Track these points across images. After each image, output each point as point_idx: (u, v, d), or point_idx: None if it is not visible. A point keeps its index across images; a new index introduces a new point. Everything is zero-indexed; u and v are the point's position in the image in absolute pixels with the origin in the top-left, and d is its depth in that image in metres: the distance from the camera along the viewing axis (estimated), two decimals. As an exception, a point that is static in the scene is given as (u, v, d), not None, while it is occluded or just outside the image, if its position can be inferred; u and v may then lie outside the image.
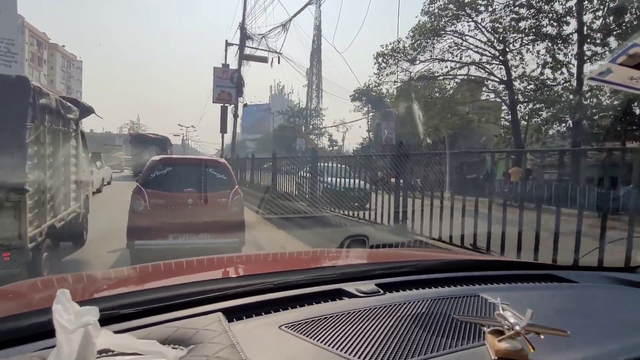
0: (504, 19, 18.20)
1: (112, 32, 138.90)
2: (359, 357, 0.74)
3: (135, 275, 1.35)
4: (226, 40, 19.67)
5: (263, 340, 0.79)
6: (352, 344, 0.78)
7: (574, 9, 17.16)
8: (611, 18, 16.02)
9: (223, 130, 19.20)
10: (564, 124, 17.66)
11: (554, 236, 3.29)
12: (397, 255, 1.98)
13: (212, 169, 5.35)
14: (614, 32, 15.36)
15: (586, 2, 16.47)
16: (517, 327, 0.72)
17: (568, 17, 17.57)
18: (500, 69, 19.13)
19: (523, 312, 0.76)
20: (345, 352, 0.75)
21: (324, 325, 0.85)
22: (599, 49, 16.51)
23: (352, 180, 7.00)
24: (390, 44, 19.69)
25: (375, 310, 0.94)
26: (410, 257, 1.69)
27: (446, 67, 19.74)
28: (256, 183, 12.09)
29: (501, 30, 18.23)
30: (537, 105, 18.32)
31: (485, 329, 0.80)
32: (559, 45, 17.90)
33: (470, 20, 18.65)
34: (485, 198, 4.35)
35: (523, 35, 18.16)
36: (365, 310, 0.93)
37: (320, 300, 0.99)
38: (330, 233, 6.18)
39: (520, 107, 18.72)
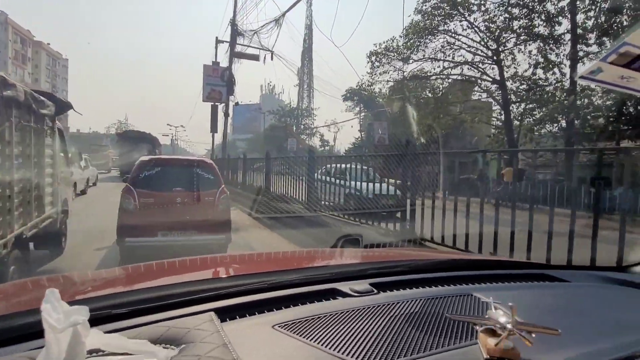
0: (498, 18, 18.32)
1: (99, 30, 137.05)
2: (352, 357, 0.74)
3: (127, 275, 1.34)
4: (216, 37, 19.66)
5: (256, 340, 0.80)
6: (345, 344, 0.78)
7: (566, 9, 17.39)
8: (603, 18, 16.27)
9: (213, 129, 19.00)
10: (556, 124, 17.83)
11: (548, 236, 3.33)
12: (390, 255, 1.99)
13: (199, 169, 5.55)
14: (608, 32, 15.52)
15: (578, 2, 16.68)
16: (508, 326, 0.73)
17: (560, 18, 17.84)
18: (493, 68, 19.33)
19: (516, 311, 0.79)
20: (339, 352, 0.76)
21: (318, 325, 0.86)
22: (591, 49, 16.69)
23: (377, 185, 6.15)
24: (384, 42, 19.69)
25: (369, 309, 0.94)
26: (404, 257, 1.70)
27: (439, 66, 19.93)
28: (249, 184, 11.87)
29: (494, 29, 18.37)
30: (530, 105, 18.47)
31: (477, 328, 0.81)
32: (551, 45, 18.13)
33: (463, 19, 18.77)
34: (479, 198, 4.39)
35: (515, 35, 18.33)
36: (359, 309, 0.94)
37: (314, 300, 1.00)
38: (328, 234, 6.06)
39: (512, 107, 18.86)
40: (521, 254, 3.41)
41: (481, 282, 1.22)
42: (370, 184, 6.24)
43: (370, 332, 0.83)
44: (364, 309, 0.95)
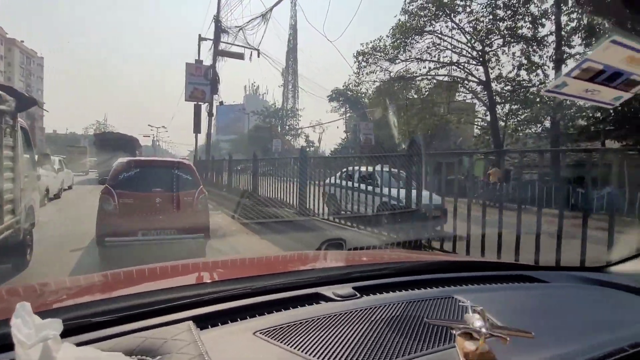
0: (485, 18, 18.21)
1: (78, 28, 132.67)
2: None
3: (105, 282, 1.30)
4: (199, 35, 19.02)
5: (236, 348, 0.79)
6: (325, 350, 0.78)
7: (549, 11, 17.47)
8: (586, 20, 16.35)
9: (196, 130, 18.28)
10: (539, 125, 17.87)
11: (536, 237, 3.37)
12: (374, 257, 2.00)
13: (177, 170, 5.72)
14: (591, 34, 15.58)
15: (562, 5, 16.71)
16: (483, 330, 0.74)
17: (543, 20, 17.90)
18: (477, 69, 19.29)
19: (496, 313, 0.82)
20: (319, 358, 0.75)
21: (300, 331, 0.85)
22: (575, 50, 16.76)
23: (415, 192, 5.14)
24: (371, 42, 19.32)
25: (351, 314, 0.94)
26: (387, 260, 1.73)
27: (424, 67, 19.79)
28: (234, 186, 11.35)
29: (479, 30, 18.31)
30: (514, 106, 18.49)
31: (454, 331, 0.80)
32: (534, 47, 18.19)
33: (449, 20, 18.64)
34: (466, 199, 4.40)
35: (500, 37, 18.32)
36: (341, 314, 0.93)
37: (297, 305, 0.98)
38: (319, 240, 5.63)
39: (497, 107, 18.82)
40: (509, 254, 3.44)
41: (463, 284, 1.22)
42: (408, 192, 5.17)
43: (350, 337, 0.83)
44: (346, 313, 0.94)
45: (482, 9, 18.17)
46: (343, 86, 22.81)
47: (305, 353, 0.76)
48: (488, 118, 19.89)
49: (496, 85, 18.80)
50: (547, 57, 17.93)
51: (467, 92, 20.22)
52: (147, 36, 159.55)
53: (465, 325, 0.78)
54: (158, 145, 61.70)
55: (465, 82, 19.61)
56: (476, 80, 18.92)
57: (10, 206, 4.45)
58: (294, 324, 0.87)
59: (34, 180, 5.99)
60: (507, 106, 19.06)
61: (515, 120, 19.30)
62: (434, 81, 20.74)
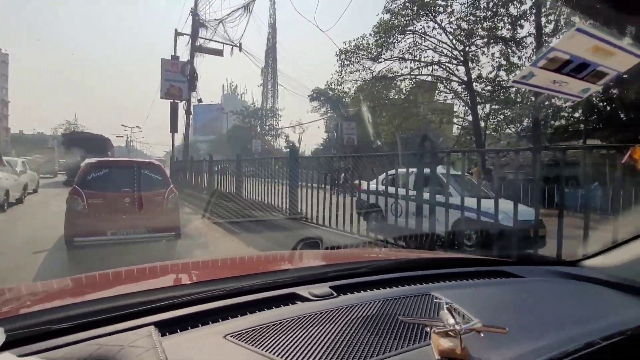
0: (468, 18, 18.59)
1: (46, 22, 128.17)
2: None
3: (64, 287, 1.24)
4: (175, 30, 18.27)
5: (204, 352, 0.76)
6: (299, 351, 0.76)
7: (527, 12, 17.99)
8: (563, 22, 16.92)
9: (173, 129, 17.78)
10: (519, 125, 18.37)
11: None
12: (351, 256, 1.99)
13: (147, 170, 5.88)
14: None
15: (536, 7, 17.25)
16: (456, 327, 0.74)
17: (522, 21, 18.41)
18: (458, 69, 19.65)
19: (473, 308, 0.84)
20: None
21: (274, 332, 0.83)
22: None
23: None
24: (354, 40, 19.42)
25: (327, 313, 0.93)
26: (365, 258, 1.73)
27: (406, 67, 20.00)
28: (216, 188, 10.86)
29: (459, 31, 18.68)
30: (495, 107, 18.93)
31: (429, 329, 0.80)
32: (513, 48, 18.70)
33: (430, 20, 18.93)
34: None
35: (479, 37, 18.73)
36: (317, 314, 0.92)
37: (272, 306, 0.96)
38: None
39: (478, 108, 19.23)
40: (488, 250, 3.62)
41: (440, 280, 1.22)
42: (506, 205, 3.88)
43: (325, 337, 0.82)
44: (322, 313, 0.93)
45: (464, 8, 18.58)
46: (326, 85, 22.83)
47: (278, 356, 0.74)
48: (469, 118, 20.31)
49: (477, 86, 19.20)
50: (526, 58, 18.56)
51: (449, 92, 20.59)
52: (120, 31, 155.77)
53: (439, 323, 0.78)
54: (132, 145, 60.22)
55: (448, 82, 19.95)
56: (458, 80, 19.28)
57: None
58: (268, 326, 0.85)
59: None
60: (488, 106, 19.54)
61: (495, 120, 19.80)
62: (416, 81, 21.05)
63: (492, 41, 18.56)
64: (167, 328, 0.82)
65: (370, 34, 19.09)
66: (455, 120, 22.06)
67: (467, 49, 18.93)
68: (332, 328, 0.85)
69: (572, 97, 1.26)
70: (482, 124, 19.40)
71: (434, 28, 19.07)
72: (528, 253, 3.28)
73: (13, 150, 28.14)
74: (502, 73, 18.87)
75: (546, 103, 16.34)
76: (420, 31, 19.12)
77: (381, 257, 1.75)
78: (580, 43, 1.08)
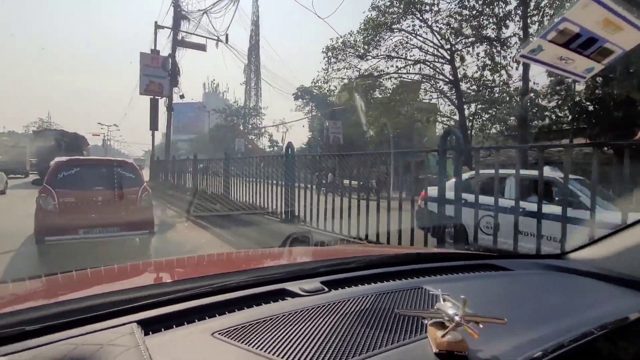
0: (454, 17, 18.84)
1: (18, 17, 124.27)
2: None
3: (38, 287, 1.19)
4: (155, 22, 17.57)
5: (191, 350, 0.74)
6: (290, 348, 0.75)
7: (512, 12, 18.37)
8: (546, 22, 17.32)
9: (153, 127, 17.25)
10: (504, 124, 18.73)
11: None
12: (341, 252, 2.00)
13: (120, 169, 5.90)
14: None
15: (522, 8, 17.63)
16: (456, 318, 0.73)
17: (507, 21, 18.77)
18: (443, 69, 19.88)
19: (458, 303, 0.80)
20: (283, 357, 0.72)
21: (264, 329, 0.82)
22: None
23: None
24: (342, 37, 19.44)
25: (319, 308, 0.92)
26: (355, 253, 1.73)
27: (392, 65, 20.12)
28: (200, 189, 10.27)
29: (445, 30, 18.94)
30: (480, 106, 19.25)
31: (426, 321, 0.80)
32: (497, 48, 19.05)
33: (416, 18, 19.12)
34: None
35: (465, 37, 19.01)
36: (308, 309, 0.91)
37: (261, 302, 0.95)
38: None
39: (464, 107, 19.51)
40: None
41: (431, 274, 1.23)
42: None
43: (318, 332, 0.80)
44: (313, 308, 0.92)
45: (450, 6, 18.83)
46: (312, 83, 22.72)
47: (269, 352, 0.73)
48: (456, 117, 20.56)
49: (463, 85, 19.46)
50: (510, 57, 18.97)
51: (435, 91, 20.81)
52: (96, 25, 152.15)
53: (437, 314, 0.78)
54: (109, 145, 59.03)
55: (435, 80, 20.15)
56: (446, 79, 19.49)
57: None
58: (258, 322, 0.84)
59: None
60: (473, 106, 19.84)
61: (480, 120, 20.12)
62: (403, 79, 21.23)
63: (477, 41, 18.89)
64: (150, 327, 0.79)
65: (358, 31, 19.16)
66: (441, 119, 22.32)
67: (453, 47, 19.19)
68: (325, 323, 0.84)
69: (576, 77, 1.26)
70: (468, 123, 19.70)
71: (420, 26, 19.33)
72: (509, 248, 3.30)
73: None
74: (487, 73, 19.41)
75: (532, 102, 16.70)
76: (407, 29, 19.32)
77: (371, 252, 1.76)
78: (592, 14, 1.07)
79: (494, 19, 18.60)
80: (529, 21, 17.55)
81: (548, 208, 3.69)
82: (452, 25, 18.69)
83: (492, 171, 4.57)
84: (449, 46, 19.16)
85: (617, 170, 3.20)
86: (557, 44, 1.16)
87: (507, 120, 18.82)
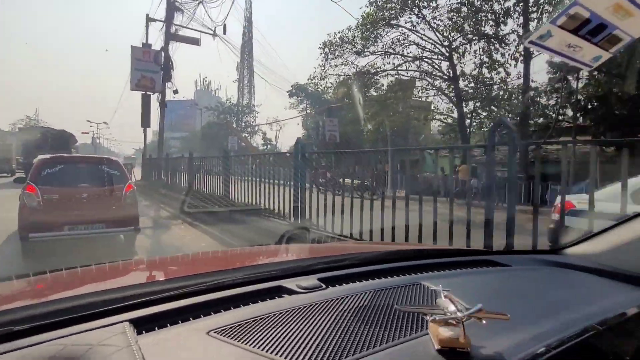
0: (452, 13, 18.89)
1: (0, 11, 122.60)
2: (294, 358, 0.69)
3: (26, 287, 1.18)
4: (147, 15, 17.17)
5: (186, 350, 0.73)
6: (288, 345, 0.74)
7: (511, 9, 18.50)
8: (545, 19, 17.41)
9: (145, 124, 16.87)
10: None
11: (485, 223, 3.52)
12: (338, 248, 1.99)
13: (104, 166, 6.05)
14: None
15: (522, 4, 17.77)
16: (458, 314, 0.72)
17: (506, 18, 18.87)
18: (440, 66, 19.92)
19: (464, 297, 0.81)
20: (281, 355, 0.70)
21: (261, 327, 0.81)
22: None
23: None
24: (339, 32, 19.43)
25: (317, 306, 0.91)
26: (352, 250, 1.74)
27: (389, 62, 20.11)
28: (197, 189, 9.74)
29: (442, 27, 19.00)
30: (479, 104, 19.34)
31: (427, 317, 0.79)
32: (496, 45, 19.16)
33: (413, 14, 19.16)
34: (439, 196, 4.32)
35: (464, 34, 19.08)
36: (306, 307, 0.90)
37: (257, 300, 0.94)
38: None
39: (463, 104, 19.61)
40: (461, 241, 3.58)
41: (429, 270, 1.23)
42: None
43: (317, 330, 0.80)
44: (311, 306, 0.91)
45: (448, 2, 18.88)
46: (308, 79, 22.64)
47: (267, 351, 0.72)
48: (453, 115, 20.63)
49: (460, 83, 19.21)
50: (509, 55, 19.08)
51: (432, 88, 20.85)
52: (84, 18, 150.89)
53: (439, 311, 0.76)
54: (99, 143, 58.56)
55: (434, 77, 20.17)
56: (445, 76, 19.48)
57: None
58: (255, 320, 0.83)
59: None
60: (471, 103, 19.92)
61: (478, 117, 20.21)
62: (399, 77, 21.24)
63: (475, 38, 18.97)
64: (143, 326, 0.77)
65: (356, 27, 19.16)
66: (438, 117, 22.41)
67: (452, 44, 19.26)
68: (323, 320, 0.84)
69: (583, 65, 1.26)
70: (467, 121, 19.79)
71: (417, 23, 19.35)
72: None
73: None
74: (485, 70, 19.46)
75: (533, 99, 16.81)
76: (404, 26, 19.34)
77: (368, 249, 1.76)
78: None
79: (493, 16, 18.71)
80: (528, 17, 17.71)
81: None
82: (453, 20, 18.70)
83: None
84: (447, 43, 19.22)
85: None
86: (566, 30, 1.17)
87: (508, 117, 18.91)
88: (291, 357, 0.71)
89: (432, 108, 22.59)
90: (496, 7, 18.44)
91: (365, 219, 4.48)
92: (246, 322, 0.82)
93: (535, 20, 17.42)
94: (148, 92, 16.92)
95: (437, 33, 19.00)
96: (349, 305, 0.93)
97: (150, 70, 16.62)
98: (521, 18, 17.94)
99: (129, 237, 5.94)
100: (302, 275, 1.10)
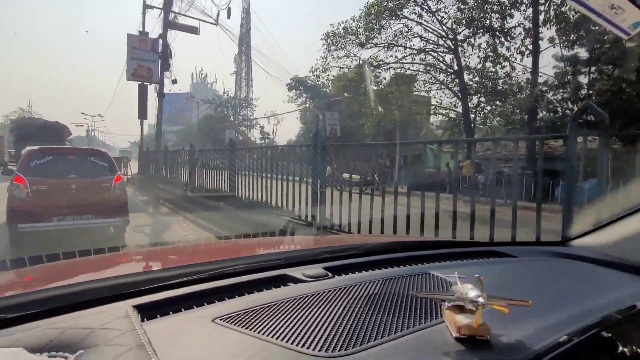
0: (460, 6, 18.35)
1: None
2: (307, 347, 0.66)
3: (23, 274, 1.16)
4: (144, 1, 16.13)
5: (192, 337, 0.70)
6: (299, 332, 0.71)
7: (518, 2, 17.96)
8: (553, 12, 16.91)
9: (142, 115, 16.07)
10: (513, 116, 18.37)
11: (491, 213, 3.45)
12: (343, 239, 2.03)
13: (93, 158, 6.11)
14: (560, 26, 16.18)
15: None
16: (480, 300, 0.69)
17: (512, 10, 18.33)
18: (445, 59, 19.38)
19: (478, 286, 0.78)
20: (291, 342, 0.67)
21: (267, 315, 0.78)
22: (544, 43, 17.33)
23: None
24: (343, 22, 18.68)
25: (324, 294, 0.89)
26: (357, 241, 1.77)
27: (391, 55, 19.55)
28: (198, 185, 9.00)
29: (446, 20, 18.49)
30: (484, 98, 18.87)
31: (446, 304, 0.76)
32: (501, 39, 18.64)
33: (417, 5, 18.57)
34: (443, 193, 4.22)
35: (467, 28, 18.57)
36: (313, 295, 0.88)
37: (262, 289, 0.92)
38: None
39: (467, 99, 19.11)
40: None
41: (435, 261, 1.22)
42: None
43: (327, 317, 0.77)
44: (318, 294, 0.88)
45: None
46: (310, 71, 21.90)
47: (275, 338, 0.68)
48: (457, 109, 20.12)
49: (465, 77, 19.05)
50: (515, 48, 18.61)
51: (436, 82, 20.33)
52: (79, 6, 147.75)
53: (457, 297, 0.73)
54: (93, 135, 57.54)
55: (436, 71, 19.68)
56: (450, 69, 19.01)
57: None
58: (260, 308, 0.79)
59: None
60: (475, 98, 19.45)
61: (482, 112, 19.77)
62: (399, 71, 20.68)
63: (480, 31, 18.48)
64: (145, 313, 0.73)
65: (360, 17, 18.44)
66: (442, 111, 21.90)
67: (457, 36, 18.71)
68: (333, 308, 0.80)
69: (619, 32, 1.08)
70: (471, 115, 19.29)
71: (420, 15, 18.77)
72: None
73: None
74: (489, 64, 19.00)
75: (542, 94, 16.25)
76: (409, 17, 18.73)
77: (373, 240, 1.75)
78: None
79: (499, 8, 18.17)
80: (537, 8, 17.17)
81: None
82: (461, 10, 18.06)
83: None
84: (452, 35, 18.65)
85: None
86: None
87: (511, 112, 18.41)
88: (302, 344, 0.67)
89: (435, 102, 22.13)
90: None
91: (369, 215, 4.30)
92: (252, 310, 0.79)
93: (543, 13, 16.94)
94: (145, 82, 16.00)
95: (443, 25, 18.33)
96: (358, 293, 0.90)
97: (147, 59, 15.72)
98: (528, 10, 17.41)
99: (118, 228, 5.96)
100: (307, 264, 1.06)
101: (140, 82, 16.15)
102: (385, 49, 19.39)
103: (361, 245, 1.37)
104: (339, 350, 0.65)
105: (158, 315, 0.75)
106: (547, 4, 17.05)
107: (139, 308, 0.75)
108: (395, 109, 20.46)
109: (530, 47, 17.41)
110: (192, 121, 51.55)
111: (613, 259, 1.27)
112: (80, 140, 47.14)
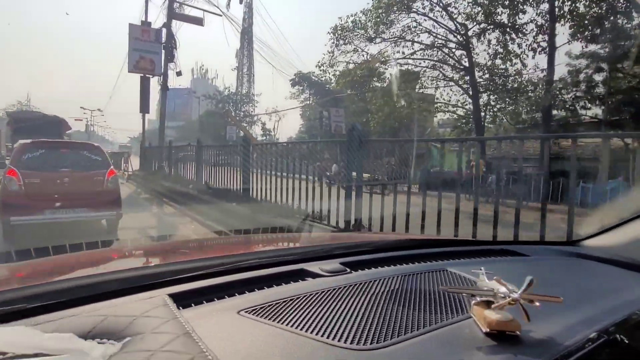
0: (463, 2, 17.71)
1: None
2: (335, 339, 0.65)
3: (63, 263, 1.14)
4: None
5: (221, 328, 0.69)
6: (325, 325, 0.70)
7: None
8: (567, 8, 16.32)
9: (144, 109, 15.25)
10: (527, 114, 17.77)
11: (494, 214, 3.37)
12: (358, 237, 2.10)
13: (86, 152, 6.11)
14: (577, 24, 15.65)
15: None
16: (514, 295, 0.69)
17: (524, 6, 17.67)
18: (455, 55, 18.71)
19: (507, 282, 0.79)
20: (319, 334, 0.67)
21: (290, 308, 0.77)
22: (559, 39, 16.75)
23: None
24: (352, 15, 17.92)
25: (345, 289, 0.88)
26: (372, 238, 1.82)
27: (398, 51, 18.88)
28: (205, 183, 8.30)
29: (456, 15, 17.85)
30: (495, 96, 18.29)
31: (477, 298, 0.75)
32: (511, 35, 18.00)
33: (428, 1, 17.91)
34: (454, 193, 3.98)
35: (477, 24, 17.93)
36: (333, 289, 0.88)
37: (281, 282, 0.91)
38: None
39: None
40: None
41: (451, 258, 1.22)
42: None
43: (351, 311, 0.76)
44: (339, 288, 0.88)
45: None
46: (316, 65, 21.14)
47: (303, 330, 0.67)
48: (467, 106, 19.48)
49: (478, 72, 18.45)
50: (527, 45, 18.01)
51: (445, 78, 19.69)
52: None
53: (490, 292, 0.72)
54: (93, 130, 56.57)
55: (445, 67, 19.03)
56: (460, 66, 18.34)
57: None
58: (283, 301, 0.79)
59: None
60: (485, 96, 18.83)
61: (492, 111, 19.15)
62: (413, 66, 20.03)
63: (491, 27, 17.86)
64: (180, 301, 0.73)
65: (370, 10, 17.67)
66: (450, 109, 21.26)
67: (468, 32, 18.06)
68: (356, 303, 0.79)
69: None
70: (483, 113, 18.66)
71: (431, 9, 18.10)
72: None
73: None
74: (499, 61, 18.40)
75: (557, 91, 15.62)
76: (418, 12, 18.04)
77: (388, 238, 1.80)
78: None
79: (511, 4, 17.51)
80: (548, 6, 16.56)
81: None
82: (473, 4, 17.36)
83: None
84: (463, 31, 17.97)
85: None
86: None
87: (523, 111, 17.78)
88: (330, 336, 0.66)
89: (443, 100, 21.48)
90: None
91: (379, 215, 4.10)
92: (276, 303, 0.79)
93: (557, 9, 16.31)
94: (147, 75, 15.10)
95: (454, 21, 17.62)
96: (380, 288, 0.89)
97: (150, 50, 14.81)
98: (541, 6, 16.76)
99: (110, 221, 5.97)
100: (324, 260, 1.06)
101: (142, 75, 15.33)
102: (394, 44, 18.66)
103: (377, 241, 1.40)
104: (371, 344, 0.65)
105: (192, 304, 0.74)
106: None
107: (173, 297, 0.74)
108: (407, 106, 19.81)
109: (542, 44, 16.85)
110: (192, 117, 50.78)
111: (624, 259, 1.25)
112: (80, 134, 46.26)
